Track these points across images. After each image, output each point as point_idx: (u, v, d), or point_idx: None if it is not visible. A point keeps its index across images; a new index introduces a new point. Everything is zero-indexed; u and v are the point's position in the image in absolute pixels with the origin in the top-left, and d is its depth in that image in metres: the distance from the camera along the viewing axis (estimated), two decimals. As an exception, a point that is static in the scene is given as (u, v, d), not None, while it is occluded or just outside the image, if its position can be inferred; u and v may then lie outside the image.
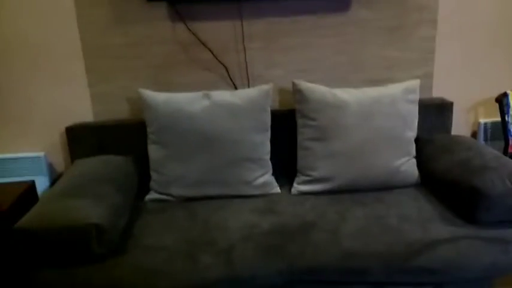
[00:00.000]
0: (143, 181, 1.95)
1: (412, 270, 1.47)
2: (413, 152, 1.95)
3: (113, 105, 2.11)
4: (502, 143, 2.15)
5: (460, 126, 2.29)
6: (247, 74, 2.13)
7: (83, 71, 2.05)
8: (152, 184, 1.91)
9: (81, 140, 2.02)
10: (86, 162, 1.88)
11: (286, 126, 2.04)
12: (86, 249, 1.43)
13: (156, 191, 1.90)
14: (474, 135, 2.34)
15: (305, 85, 1.91)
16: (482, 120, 2.29)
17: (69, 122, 2.08)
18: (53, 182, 2.14)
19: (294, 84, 1.94)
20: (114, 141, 2.02)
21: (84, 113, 2.11)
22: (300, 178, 1.94)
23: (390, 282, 1.53)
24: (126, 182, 1.81)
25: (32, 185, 1.94)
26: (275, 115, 1.97)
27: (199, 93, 1.89)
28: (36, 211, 1.49)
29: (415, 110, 1.93)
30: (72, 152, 2.03)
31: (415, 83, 1.94)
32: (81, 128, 2.02)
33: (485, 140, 2.31)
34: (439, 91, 2.23)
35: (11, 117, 2.08)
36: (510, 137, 2.16)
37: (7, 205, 1.70)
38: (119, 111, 2.12)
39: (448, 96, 2.20)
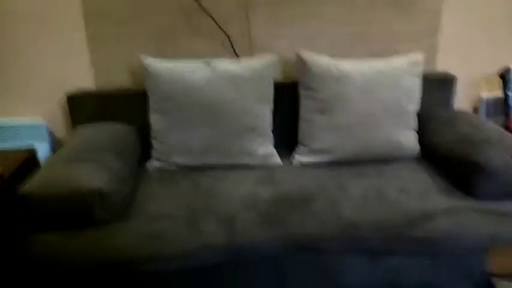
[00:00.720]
0: (145, 150, 1.95)
1: (410, 240, 1.50)
2: (415, 126, 1.95)
3: (115, 73, 2.08)
4: (503, 118, 2.16)
5: (463, 100, 2.28)
6: (250, 43, 2.10)
7: (84, 37, 2.02)
8: (154, 153, 1.92)
9: (82, 107, 2.01)
10: (88, 129, 1.88)
11: (288, 98, 2.03)
12: (89, 215, 1.44)
13: (158, 160, 1.91)
14: (476, 110, 2.34)
15: (309, 56, 1.90)
16: (484, 95, 2.29)
17: (70, 89, 2.06)
18: (54, 148, 2.14)
19: (297, 55, 1.92)
20: (115, 109, 2.01)
21: (85, 80, 2.09)
22: (301, 149, 1.95)
23: (388, 252, 1.56)
24: (129, 149, 1.82)
25: (33, 151, 1.94)
26: (278, 86, 1.95)
27: (202, 63, 1.87)
28: (39, 177, 1.49)
29: (418, 83, 1.92)
30: (73, 119, 2.02)
31: (419, 56, 1.93)
32: (83, 95, 2.01)
33: (487, 115, 2.31)
34: (443, 65, 2.22)
35: (12, 84, 2.06)
36: (511, 112, 2.16)
37: (9, 172, 1.71)
38: (121, 80, 2.10)
39: (451, 70, 2.19)
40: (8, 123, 2.07)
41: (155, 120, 1.89)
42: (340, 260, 1.61)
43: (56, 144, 2.16)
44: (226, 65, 1.86)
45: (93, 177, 1.48)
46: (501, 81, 2.11)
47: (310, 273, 1.63)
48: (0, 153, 1.85)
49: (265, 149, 1.93)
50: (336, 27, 2.11)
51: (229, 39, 2.08)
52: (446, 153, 1.76)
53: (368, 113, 1.85)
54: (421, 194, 1.63)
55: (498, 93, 2.24)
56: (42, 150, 2.07)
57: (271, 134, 1.95)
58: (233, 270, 1.56)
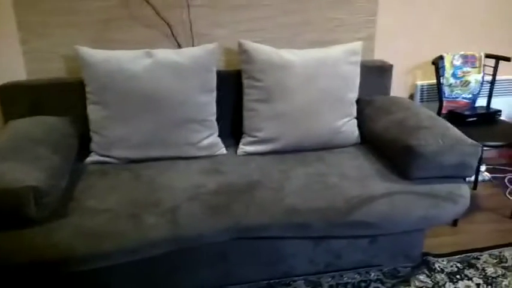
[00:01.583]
0: (83, 143, 1.88)
1: (350, 224, 1.55)
2: (354, 113, 2.01)
3: (48, 64, 1.99)
4: (436, 104, 2.27)
5: (399, 88, 2.38)
6: (192, 32, 2.07)
7: (13, 26, 1.91)
8: (93, 146, 1.85)
9: (14, 100, 1.90)
10: (20, 123, 1.78)
11: (232, 87, 2.03)
12: (24, 213, 1.37)
13: (97, 153, 1.85)
14: (411, 97, 2.44)
15: (251, 45, 1.90)
16: (419, 82, 2.39)
17: (1, 81, 1.95)
18: (-15, 144, 2.01)
19: (240, 44, 1.92)
20: (50, 101, 1.91)
21: (16, 71, 1.97)
22: (245, 139, 1.95)
23: (330, 235, 1.61)
24: (64, 143, 1.74)
25: (-40, 147, 1.81)
26: (221, 76, 1.94)
27: (141, 51, 1.82)
28: (-33, 174, 1.40)
29: (356, 71, 1.98)
30: (5, 113, 1.91)
31: (357, 44, 1.98)
32: (14, 87, 1.90)
33: (421, 101, 2.42)
34: (380, 54, 2.29)
35: None
36: (444, 99, 2.28)
37: None
38: (55, 70, 2.00)
39: (388, 58, 2.26)
40: None
41: (93, 111, 1.82)
42: (284, 246, 1.64)
43: (-14, 140, 2.04)
44: (167, 54, 1.82)
45: (25, 173, 1.41)
46: (434, 68, 2.21)
47: (255, 260, 1.66)
48: None
49: (210, 139, 1.91)
50: (277, 16, 2.12)
51: (170, 29, 2.04)
52: (383, 138, 1.83)
53: (310, 102, 1.88)
54: (360, 178, 1.68)
55: (432, 80, 2.35)
56: (-29, 146, 1.95)
57: (216, 124, 1.94)
58: (178, 259, 1.55)
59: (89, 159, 1.85)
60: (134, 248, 1.42)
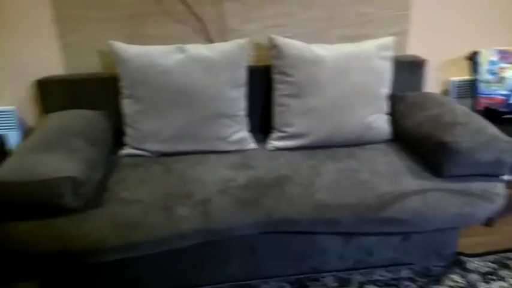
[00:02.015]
0: (118, 136, 1.93)
1: (381, 220, 1.53)
2: (386, 109, 1.98)
3: (85, 58, 2.04)
4: (470, 101, 2.21)
5: (432, 84, 2.33)
6: (223, 28, 2.09)
7: (50, 21, 1.97)
8: (127, 139, 1.90)
9: (53, 93, 1.96)
10: (58, 116, 1.84)
11: (262, 82, 2.03)
12: (61, 203, 1.42)
13: (131, 146, 1.89)
14: (445, 93, 2.38)
15: (282, 40, 1.90)
16: (453, 78, 2.33)
17: (40, 75, 2.01)
18: (25, 136, 2.09)
19: (270, 39, 1.92)
20: (86, 95, 1.97)
21: (54, 65, 2.03)
22: (275, 134, 1.96)
23: (360, 232, 1.60)
24: (100, 136, 1.79)
25: (2, 139, 1.89)
26: (251, 71, 1.95)
27: (173, 46, 1.85)
28: (9, 165, 1.46)
29: (388, 66, 1.95)
30: (44, 106, 1.98)
31: (389, 39, 1.95)
32: (53, 81, 1.96)
33: (455, 97, 2.36)
34: (413, 49, 2.25)
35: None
36: (479, 95, 2.22)
37: (-23, 159, 1.66)
38: (91, 64, 2.05)
39: (421, 54, 2.22)
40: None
41: (127, 105, 1.86)
42: (313, 241, 1.64)
43: (27, 132, 2.11)
44: (199, 49, 1.85)
45: (63, 164, 1.46)
46: (470, 64, 2.15)
47: (284, 254, 1.66)
48: (-33, 142, 1.80)
49: (240, 134, 1.93)
50: (307, 11, 2.11)
51: (202, 24, 2.06)
52: (416, 134, 1.80)
53: (341, 97, 1.86)
54: (392, 175, 1.66)
55: (467, 76, 2.29)
56: (13, 138, 2.03)
57: (246, 119, 1.96)
58: (207, 251, 1.57)
59: (123, 152, 1.89)
60: (165, 239, 1.44)
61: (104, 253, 1.41)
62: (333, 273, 1.74)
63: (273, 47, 1.90)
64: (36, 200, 1.41)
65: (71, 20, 1.98)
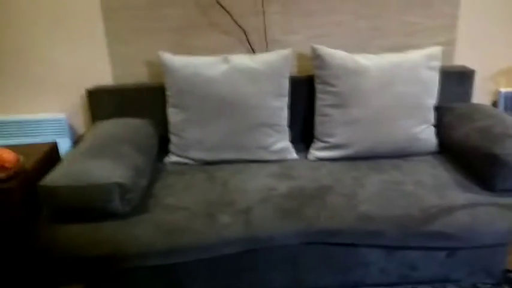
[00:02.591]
0: (163, 144, 1.98)
1: (427, 234, 1.49)
2: (433, 120, 1.94)
3: (133, 68, 2.12)
4: (522, 113, 2.13)
5: (480, 95, 2.26)
6: (266, 38, 2.11)
7: (102, 32, 2.06)
8: (171, 147, 1.95)
9: (102, 102, 2.04)
10: (106, 124, 1.91)
11: (304, 92, 2.04)
12: (109, 208, 1.47)
13: (175, 154, 1.94)
14: (494, 104, 2.30)
15: (325, 50, 1.90)
16: (503, 90, 2.25)
17: (89, 84, 2.10)
18: (74, 143, 2.18)
19: (313, 49, 1.92)
20: (134, 104, 2.04)
21: (103, 75, 2.12)
22: (317, 144, 1.95)
23: (405, 246, 1.56)
24: (146, 144, 1.85)
25: (54, 145, 1.98)
26: (293, 81, 1.96)
27: (218, 57, 1.89)
28: (60, 170, 1.53)
29: (436, 77, 1.91)
30: (93, 114, 2.06)
31: (437, 49, 1.91)
32: (102, 90, 2.05)
33: (505, 109, 2.27)
34: (460, 59, 2.19)
35: (33, 79, 2.11)
36: (531, 107, 2.13)
37: (31, 164, 1.75)
38: (139, 75, 2.13)
39: (469, 64, 2.16)
40: (31, 119, 2.11)
41: (172, 114, 1.91)
42: (356, 254, 1.61)
43: (76, 139, 2.21)
44: (243, 60, 1.88)
45: (112, 170, 1.51)
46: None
47: (325, 266, 1.64)
48: (23, 147, 1.90)
49: (281, 143, 1.93)
50: (351, 21, 2.11)
51: (246, 35, 2.10)
52: (464, 146, 1.74)
53: (385, 107, 1.84)
54: (438, 188, 1.62)
55: (518, 87, 2.21)
56: (64, 145, 2.12)
57: (287, 129, 1.96)
58: (248, 260, 1.58)
59: (168, 159, 1.94)
60: (209, 246, 1.46)
61: (149, 257, 1.45)
62: (375, 287, 1.70)
63: (316, 57, 1.90)
64: (86, 204, 1.46)
65: (120, 32, 2.06)
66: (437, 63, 1.90)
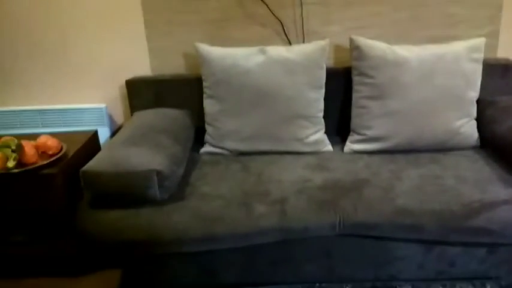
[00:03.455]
0: (198, 134, 2.01)
1: (469, 230, 1.45)
2: (475, 114, 1.88)
3: (170, 60, 2.15)
4: None
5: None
6: (303, 30, 2.10)
7: (142, 25, 2.10)
8: (207, 137, 1.97)
9: (140, 93, 2.08)
10: (145, 114, 1.96)
11: (340, 84, 2.02)
12: (148, 194, 1.51)
13: (211, 144, 1.96)
14: (540, 99, 2.21)
15: (363, 41, 1.87)
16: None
17: (129, 75, 2.15)
18: (113, 132, 2.24)
19: (351, 40, 1.90)
20: (171, 95, 2.07)
21: (142, 67, 2.17)
22: (353, 137, 1.93)
23: (444, 241, 1.52)
24: (183, 134, 1.87)
25: (95, 134, 2.04)
26: (330, 73, 1.94)
27: (255, 48, 1.89)
28: (101, 157, 1.57)
29: (479, 69, 1.85)
30: (132, 105, 2.11)
31: (480, 41, 1.85)
32: (140, 81, 2.09)
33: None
34: (504, 51, 2.11)
35: (75, 70, 2.18)
36: None
37: (73, 151, 1.81)
38: (176, 66, 2.16)
39: (513, 56, 2.09)
40: (72, 108, 2.18)
41: (209, 105, 1.93)
42: (392, 248, 1.59)
43: (115, 128, 2.26)
44: (279, 51, 1.87)
45: (150, 158, 1.55)
46: None
47: (360, 259, 1.62)
48: (66, 135, 1.96)
49: (317, 135, 1.92)
50: (391, 12, 2.06)
51: (283, 26, 2.09)
52: (507, 141, 1.68)
53: (425, 100, 1.80)
54: (479, 183, 1.57)
55: None
56: (103, 134, 2.18)
57: (323, 121, 1.95)
58: (282, 251, 1.58)
59: (203, 149, 1.96)
60: (244, 234, 1.47)
61: (186, 243, 1.47)
62: (411, 282, 1.67)
63: (355, 48, 1.88)
64: (126, 190, 1.50)
65: (159, 24, 2.09)
66: (480, 55, 1.84)
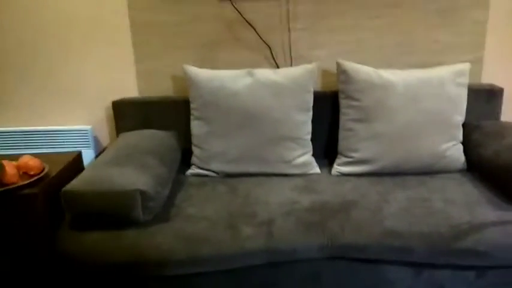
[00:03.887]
0: (185, 157, 1.98)
1: (457, 251, 1.43)
2: (461, 137, 1.89)
3: (158, 82, 2.14)
4: (554, 133, 2.05)
5: (510, 114, 2.20)
6: (291, 54, 2.12)
7: (130, 47, 2.10)
8: (194, 159, 1.94)
9: (127, 114, 2.07)
10: (130, 135, 1.93)
11: (328, 107, 2.03)
12: (131, 215, 1.46)
13: (197, 166, 1.93)
14: (524, 124, 2.24)
15: (350, 65, 1.89)
16: (533, 110, 2.20)
17: (115, 97, 2.14)
18: (98, 154, 2.20)
19: (338, 64, 1.92)
20: (158, 117, 2.05)
21: (129, 89, 2.16)
22: (341, 159, 1.92)
23: (433, 263, 1.50)
24: (169, 155, 1.85)
25: (79, 155, 2.00)
26: (317, 96, 1.95)
27: (243, 71, 1.90)
28: (83, 177, 1.54)
29: (464, 93, 1.87)
30: (118, 126, 2.08)
31: (465, 65, 1.89)
32: (127, 103, 2.07)
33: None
34: (488, 77, 2.16)
35: (60, 91, 2.16)
36: None
37: (55, 172, 1.76)
38: (163, 89, 2.16)
39: (497, 82, 2.12)
40: (56, 129, 2.15)
41: (196, 126, 1.92)
42: (382, 271, 1.55)
43: (101, 151, 2.23)
44: (267, 74, 1.88)
45: (134, 178, 1.51)
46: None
47: (349, 283, 1.58)
48: (48, 156, 1.92)
49: (304, 157, 1.91)
50: (377, 38, 2.10)
51: (271, 51, 2.11)
52: (493, 164, 1.69)
53: (411, 123, 1.81)
54: (467, 205, 1.56)
55: (549, 107, 2.15)
56: (88, 156, 2.14)
57: (310, 143, 1.94)
58: (270, 275, 1.53)
59: (190, 171, 1.94)
60: (230, 256, 1.43)
61: (169, 266, 1.42)
62: (401, 308, 1.63)
63: (342, 71, 1.90)
64: (108, 211, 1.46)
65: (147, 47, 2.10)
66: (465, 80, 1.87)
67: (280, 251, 1.46)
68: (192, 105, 1.93)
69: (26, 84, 2.15)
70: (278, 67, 2.12)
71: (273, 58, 2.12)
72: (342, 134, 1.93)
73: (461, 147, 1.89)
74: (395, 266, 1.54)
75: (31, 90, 2.16)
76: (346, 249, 1.48)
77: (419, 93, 1.81)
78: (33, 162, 1.72)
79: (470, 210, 1.53)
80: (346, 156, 1.90)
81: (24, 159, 1.72)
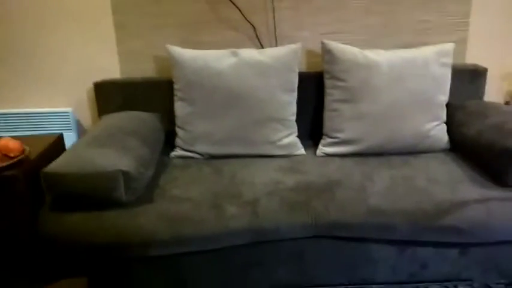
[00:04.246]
0: (169, 139, 1.96)
1: (440, 229, 1.45)
2: (444, 117, 1.90)
3: (140, 63, 2.11)
4: (536, 113, 2.07)
5: (493, 94, 2.22)
6: (275, 34, 2.10)
7: (111, 27, 2.05)
8: (178, 141, 1.92)
9: (109, 96, 2.03)
10: (113, 117, 1.90)
11: (312, 88, 2.02)
12: (113, 196, 1.44)
13: (181, 148, 1.91)
14: (508, 104, 2.26)
15: (335, 45, 1.88)
16: (516, 90, 2.22)
17: (97, 78, 2.09)
18: (80, 137, 2.17)
19: (323, 44, 1.90)
20: (141, 98, 2.02)
21: (111, 70, 2.11)
22: (325, 140, 1.92)
23: (416, 241, 1.51)
24: (153, 136, 1.82)
25: (59, 137, 1.96)
26: (302, 77, 1.93)
27: (227, 51, 1.87)
28: (64, 157, 1.51)
29: (448, 73, 1.88)
30: (100, 108, 2.05)
31: (449, 45, 1.89)
32: (109, 84, 2.03)
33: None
34: (472, 57, 2.16)
35: (41, 73, 2.11)
36: (545, 107, 2.08)
37: (36, 153, 1.73)
38: (146, 69, 2.12)
39: (481, 63, 2.13)
40: (37, 112, 2.11)
41: (180, 108, 1.89)
42: (365, 250, 1.57)
43: (82, 133, 2.19)
44: (251, 53, 1.86)
45: (117, 158, 1.49)
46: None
47: (333, 262, 1.59)
48: (28, 138, 1.88)
49: (289, 138, 1.90)
50: (362, 18, 2.09)
51: (255, 30, 2.08)
52: (476, 143, 1.71)
53: (396, 103, 1.81)
54: (450, 183, 1.58)
55: (531, 87, 2.17)
56: (69, 139, 2.10)
57: (295, 124, 1.93)
58: (254, 254, 1.54)
59: (174, 153, 1.92)
60: (215, 236, 1.43)
61: (154, 246, 1.41)
62: (384, 285, 1.65)
63: (326, 51, 1.88)
64: (90, 192, 1.44)
65: (129, 27, 2.05)
66: (449, 60, 1.87)
67: (264, 230, 1.46)
68: (175, 86, 1.90)
69: (5, 66, 2.09)
70: (263, 47, 2.10)
71: (258, 38, 2.09)
72: (327, 115, 1.92)
73: (444, 127, 1.90)
74: (379, 244, 1.55)
75: (10, 72, 2.10)
76: (330, 227, 1.48)
77: (403, 73, 1.81)
78: (13, 144, 1.68)
79: (453, 188, 1.55)
80: (331, 137, 1.90)
81: (4, 141, 1.68)
